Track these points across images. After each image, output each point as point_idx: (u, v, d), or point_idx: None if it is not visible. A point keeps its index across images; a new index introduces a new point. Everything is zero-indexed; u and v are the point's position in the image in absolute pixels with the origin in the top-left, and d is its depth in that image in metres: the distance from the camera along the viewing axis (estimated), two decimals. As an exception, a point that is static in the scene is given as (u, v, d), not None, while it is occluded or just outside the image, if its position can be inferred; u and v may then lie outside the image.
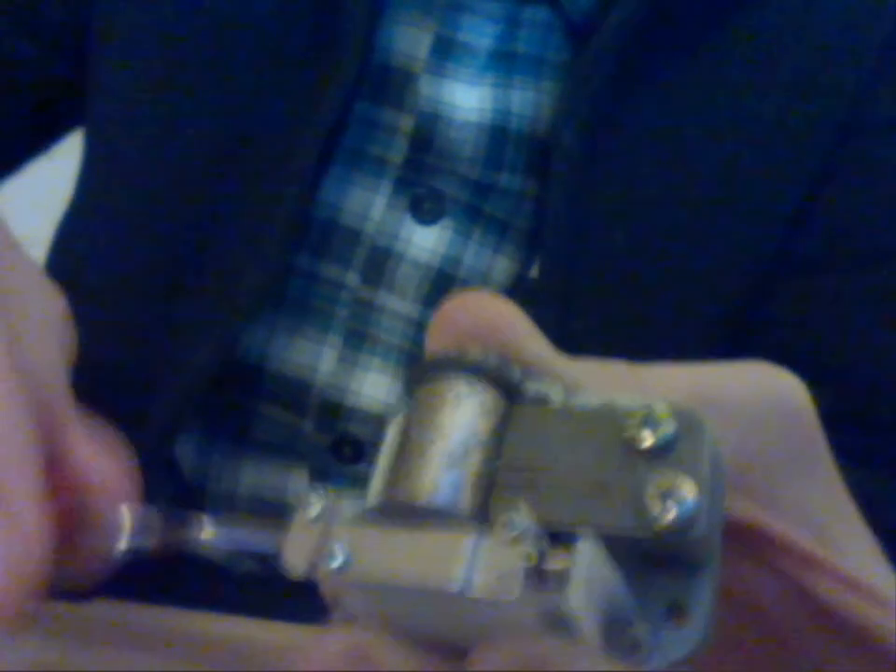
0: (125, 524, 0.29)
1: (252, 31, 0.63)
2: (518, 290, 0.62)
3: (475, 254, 0.63)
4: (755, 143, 0.60)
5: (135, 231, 0.65)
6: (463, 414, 0.24)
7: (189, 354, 0.62)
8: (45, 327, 0.34)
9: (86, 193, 0.69)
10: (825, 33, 0.61)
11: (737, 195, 0.61)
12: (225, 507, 0.65)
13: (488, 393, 0.25)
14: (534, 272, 0.62)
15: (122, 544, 0.29)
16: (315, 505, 0.24)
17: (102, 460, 0.32)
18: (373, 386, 0.63)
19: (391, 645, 0.23)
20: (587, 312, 0.60)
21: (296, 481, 0.65)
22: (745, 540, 0.26)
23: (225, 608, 0.48)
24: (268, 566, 0.69)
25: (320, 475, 0.65)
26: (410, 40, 0.61)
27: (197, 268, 0.63)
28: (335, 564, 0.23)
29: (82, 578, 0.30)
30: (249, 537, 0.27)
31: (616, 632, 0.23)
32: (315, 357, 0.64)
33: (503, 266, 0.63)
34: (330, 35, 0.60)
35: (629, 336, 0.60)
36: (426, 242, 0.63)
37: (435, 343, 0.26)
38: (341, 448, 0.64)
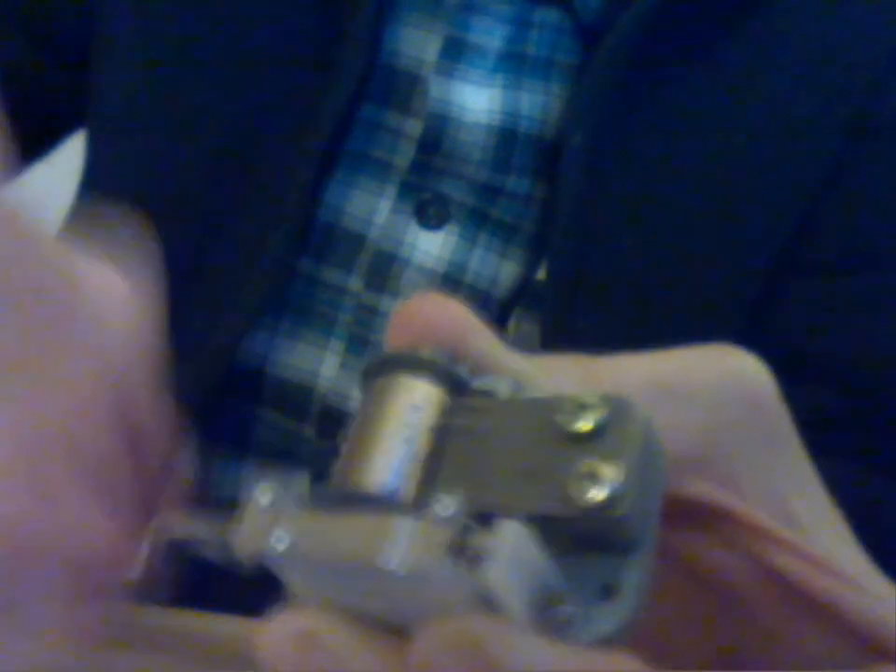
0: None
1: (256, 33, 0.63)
2: (525, 293, 0.62)
3: (481, 259, 0.63)
4: (764, 145, 0.60)
5: None
6: (408, 408, 0.25)
7: (191, 358, 0.61)
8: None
9: (87, 198, 0.69)
10: (836, 36, 0.61)
11: (746, 198, 0.61)
12: (225, 512, 0.65)
13: (434, 388, 0.26)
14: (540, 274, 0.62)
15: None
16: (265, 493, 0.25)
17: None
18: None
19: (341, 626, 0.24)
20: (594, 314, 0.60)
21: None
22: (706, 520, 0.27)
23: (225, 608, 0.48)
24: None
25: (321, 481, 0.65)
26: (417, 43, 0.61)
27: (199, 272, 0.63)
28: (280, 547, 0.24)
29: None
30: (206, 527, 0.28)
31: (545, 610, 0.24)
32: (317, 363, 0.64)
33: (510, 270, 0.63)
34: (336, 38, 0.61)
35: (636, 339, 0.60)
36: (431, 247, 0.63)
37: (392, 343, 0.27)
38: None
